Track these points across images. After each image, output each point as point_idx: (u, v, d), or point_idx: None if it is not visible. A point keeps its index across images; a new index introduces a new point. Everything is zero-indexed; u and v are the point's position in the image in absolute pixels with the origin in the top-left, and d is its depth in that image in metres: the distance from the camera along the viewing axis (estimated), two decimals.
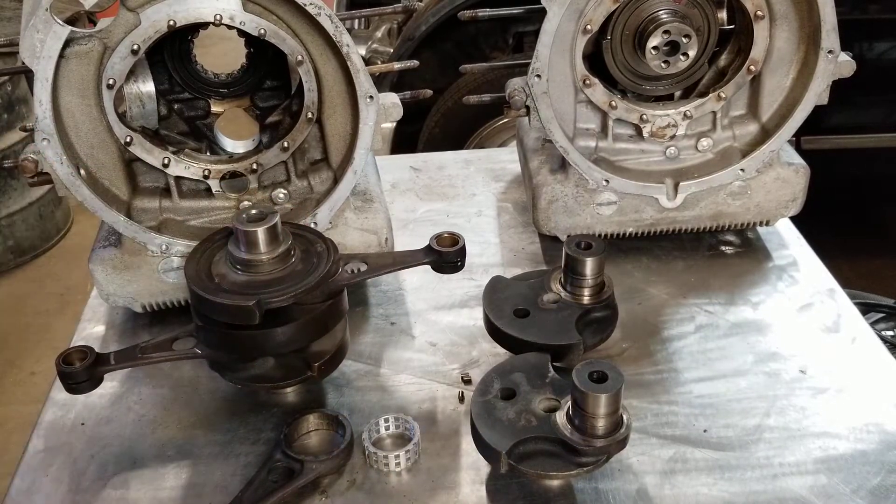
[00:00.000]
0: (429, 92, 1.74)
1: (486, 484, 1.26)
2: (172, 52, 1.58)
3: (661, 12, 1.59)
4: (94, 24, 1.39)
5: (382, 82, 3.49)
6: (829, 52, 1.57)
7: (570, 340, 1.36)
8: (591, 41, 1.63)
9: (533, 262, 1.77)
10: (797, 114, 1.64)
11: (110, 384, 1.45)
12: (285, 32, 1.44)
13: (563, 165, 1.71)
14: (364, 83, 1.46)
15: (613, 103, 1.66)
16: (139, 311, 1.60)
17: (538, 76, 1.58)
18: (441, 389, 1.44)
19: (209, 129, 1.63)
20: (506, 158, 2.16)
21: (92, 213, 1.45)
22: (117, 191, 1.52)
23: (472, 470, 1.28)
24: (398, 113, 1.52)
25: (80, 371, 1.25)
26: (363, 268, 1.36)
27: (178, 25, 1.39)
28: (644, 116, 1.68)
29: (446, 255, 1.36)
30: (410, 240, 1.70)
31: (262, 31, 1.42)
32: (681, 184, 1.70)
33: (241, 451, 1.33)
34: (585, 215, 1.73)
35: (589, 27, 1.58)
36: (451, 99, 3.54)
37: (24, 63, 1.32)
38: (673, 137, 1.71)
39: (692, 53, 1.61)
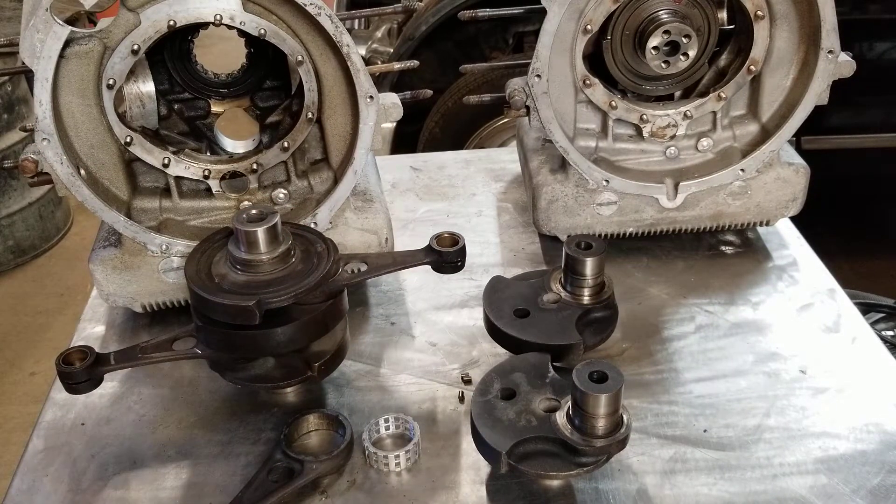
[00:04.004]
0: (429, 92, 1.74)
1: (486, 484, 1.26)
2: (172, 52, 1.58)
3: (661, 12, 1.59)
4: (94, 24, 1.39)
5: (382, 82, 3.49)
6: (829, 52, 1.57)
7: (570, 340, 1.36)
8: (591, 41, 1.63)
9: (533, 262, 1.77)
10: (797, 114, 1.64)
11: (110, 384, 1.45)
12: (285, 32, 1.44)
13: (563, 165, 1.71)
14: (364, 83, 1.46)
15: (613, 103, 1.66)
16: (139, 311, 1.60)
17: (538, 76, 1.58)
18: (441, 389, 1.44)
19: (209, 129, 1.63)
20: (506, 158, 2.16)
21: (92, 213, 1.45)
22: (117, 191, 1.52)
23: (472, 470, 1.28)
24: (398, 113, 1.52)
25: (80, 371, 1.25)
26: (363, 268, 1.36)
27: (178, 25, 1.39)
28: (644, 116, 1.68)
29: (446, 255, 1.36)
30: (410, 240, 1.70)
31: (262, 31, 1.42)
32: (681, 184, 1.70)
33: (241, 451, 1.33)
34: (585, 215, 1.73)
35: (589, 27, 1.58)
36: (451, 99, 3.54)
37: (24, 63, 1.32)
38: (673, 137, 1.71)
39: (692, 53, 1.61)
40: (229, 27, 1.43)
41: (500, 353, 1.44)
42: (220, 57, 2.16)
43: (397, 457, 1.27)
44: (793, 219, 1.82)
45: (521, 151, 1.93)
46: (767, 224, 1.79)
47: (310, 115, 1.51)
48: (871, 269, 3.91)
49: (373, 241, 1.61)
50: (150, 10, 1.38)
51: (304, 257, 1.32)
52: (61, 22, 1.29)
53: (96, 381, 1.28)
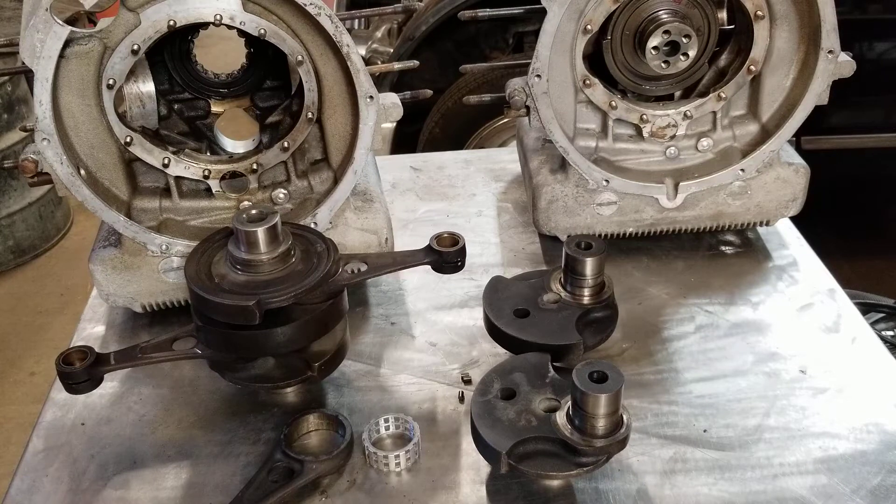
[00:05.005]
0: (429, 92, 1.74)
1: (486, 484, 1.26)
2: (172, 52, 1.58)
3: (661, 12, 1.59)
4: (94, 24, 1.39)
5: (382, 82, 3.49)
6: (829, 52, 1.57)
7: (570, 340, 1.36)
8: (591, 41, 1.63)
9: (533, 262, 1.77)
10: (797, 114, 1.64)
11: (110, 384, 1.45)
12: (285, 32, 1.44)
13: (563, 165, 1.71)
14: (364, 83, 1.46)
15: (613, 103, 1.66)
16: (139, 311, 1.60)
17: (538, 76, 1.58)
18: (441, 389, 1.44)
19: (209, 129, 1.63)
20: (506, 158, 2.16)
21: (92, 213, 1.45)
22: (117, 191, 1.52)
23: (472, 470, 1.28)
24: (398, 113, 1.52)
25: (80, 371, 1.25)
26: (363, 268, 1.36)
27: (178, 25, 1.39)
28: (644, 116, 1.68)
29: (446, 255, 1.36)
30: (410, 240, 1.70)
31: (262, 31, 1.42)
32: (681, 184, 1.70)
33: (241, 451, 1.33)
34: (585, 215, 1.73)
35: (589, 27, 1.58)
36: (451, 99, 3.54)
37: (24, 63, 1.32)
38: (673, 137, 1.71)
39: (692, 53, 1.61)
40: (229, 27, 1.43)
41: (500, 353, 1.44)
42: (220, 57, 2.17)
43: (397, 457, 1.27)
44: (793, 219, 1.82)
45: (521, 151, 1.93)
46: (767, 224, 1.79)
47: (310, 115, 1.51)
48: (871, 269, 3.91)
49: (373, 241, 1.61)
50: (150, 10, 1.38)
51: (304, 257, 1.32)
52: (61, 22, 1.29)
53: (96, 381, 1.28)
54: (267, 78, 1.65)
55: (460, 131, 3.57)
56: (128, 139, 1.46)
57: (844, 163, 3.79)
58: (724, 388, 1.42)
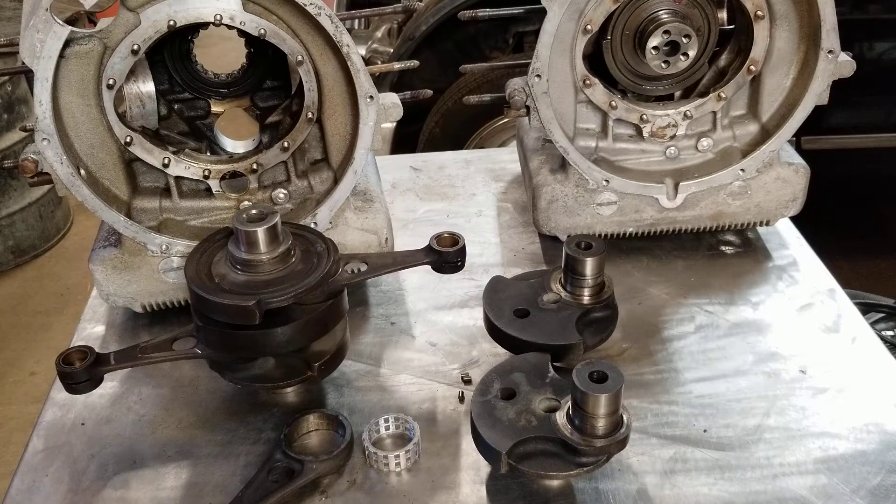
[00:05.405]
0: (429, 92, 1.74)
1: (486, 484, 1.26)
2: (172, 52, 1.58)
3: (661, 12, 1.59)
4: (94, 24, 1.39)
5: (382, 82, 3.49)
6: (829, 52, 1.57)
7: (570, 340, 1.36)
8: (591, 41, 1.63)
9: (533, 262, 1.77)
10: (797, 114, 1.64)
11: (110, 384, 1.45)
12: (285, 32, 1.44)
13: (563, 165, 1.71)
14: (364, 83, 1.46)
15: (613, 103, 1.66)
16: (139, 311, 1.60)
17: (538, 76, 1.58)
18: (441, 389, 1.44)
19: (209, 129, 1.63)
20: (506, 158, 2.16)
21: (92, 213, 1.45)
22: (117, 191, 1.52)
23: (472, 470, 1.28)
24: (398, 113, 1.52)
25: (80, 371, 1.25)
26: (363, 268, 1.36)
27: (178, 25, 1.39)
28: (644, 116, 1.68)
29: (446, 255, 1.36)
30: (410, 240, 1.70)
31: (262, 31, 1.42)
32: (681, 184, 1.70)
33: (241, 451, 1.33)
34: (585, 215, 1.73)
35: (589, 27, 1.58)
36: (451, 99, 3.54)
37: (24, 63, 1.32)
38: (673, 137, 1.71)
39: (692, 53, 1.61)
40: (229, 27, 1.43)
41: (500, 353, 1.44)
42: (220, 57, 2.17)
43: (397, 457, 1.27)
44: (793, 219, 1.82)
45: (521, 151, 1.93)
46: (767, 224, 1.79)
47: (310, 115, 1.51)
48: (871, 269, 3.92)
49: (373, 241, 1.61)
50: (150, 10, 1.38)
51: (304, 257, 1.32)
52: (61, 22, 1.29)
53: (96, 381, 1.28)
54: (267, 78, 1.65)
55: (460, 131, 3.58)
56: (128, 139, 1.46)
57: (844, 163, 3.80)
58: (724, 388, 1.42)
